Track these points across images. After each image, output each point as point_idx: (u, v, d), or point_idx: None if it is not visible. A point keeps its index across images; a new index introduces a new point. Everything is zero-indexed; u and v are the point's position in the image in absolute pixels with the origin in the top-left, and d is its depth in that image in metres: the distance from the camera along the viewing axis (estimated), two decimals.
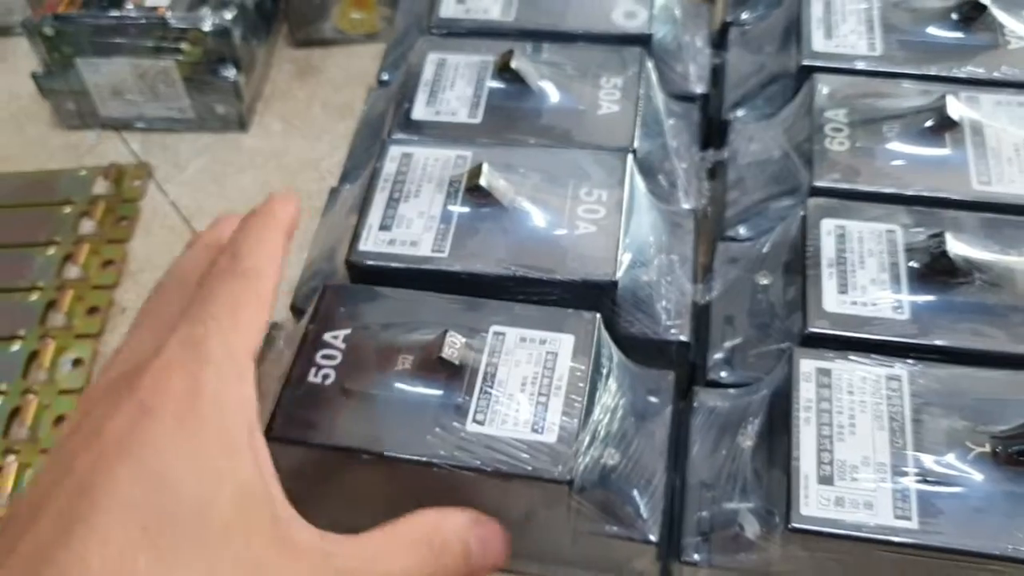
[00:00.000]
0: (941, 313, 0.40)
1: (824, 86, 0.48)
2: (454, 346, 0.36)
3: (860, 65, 0.49)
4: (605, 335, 0.39)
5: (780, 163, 0.48)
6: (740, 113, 0.53)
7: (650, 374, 0.41)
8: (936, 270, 0.41)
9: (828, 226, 0.43)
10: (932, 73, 0.49)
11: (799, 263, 0.42)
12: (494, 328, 0.39)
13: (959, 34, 0.50)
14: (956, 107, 0.45)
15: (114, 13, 0.56)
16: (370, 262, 0.42)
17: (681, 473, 0.40)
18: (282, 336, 0.43)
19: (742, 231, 0.47)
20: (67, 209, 0.57)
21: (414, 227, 0.42)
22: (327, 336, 0.39)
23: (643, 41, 0.51)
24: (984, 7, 0.49)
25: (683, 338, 0.43)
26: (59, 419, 0.48)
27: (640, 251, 0.43)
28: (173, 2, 0.56)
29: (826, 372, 0.38)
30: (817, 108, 0.47)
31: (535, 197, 0.43)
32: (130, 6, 0.56)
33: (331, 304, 0.40)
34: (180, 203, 0.58)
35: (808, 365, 0.39)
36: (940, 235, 0.41)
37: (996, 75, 0.48)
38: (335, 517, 0.41)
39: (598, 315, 0.39)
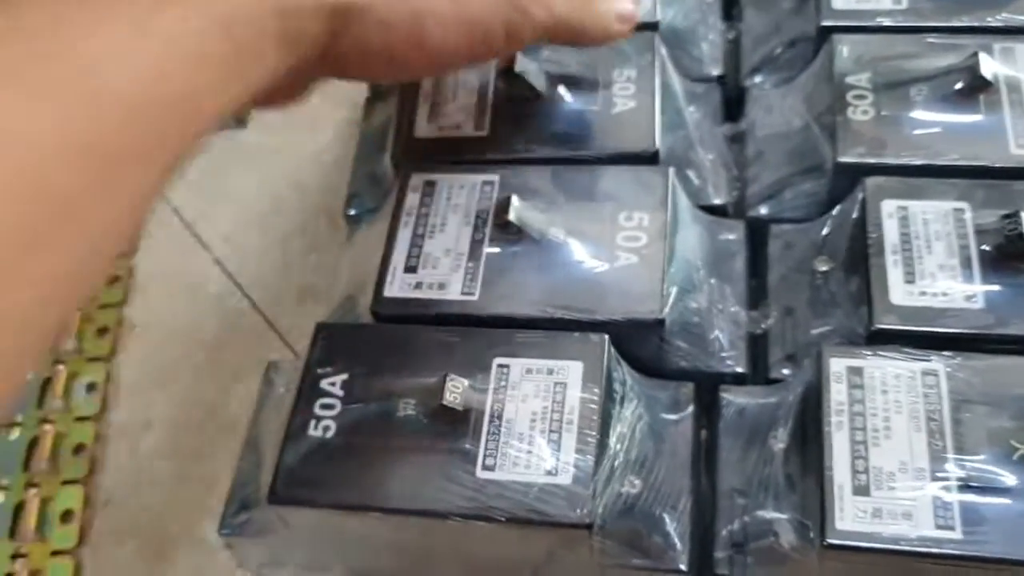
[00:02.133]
0: (1019, 300, 0.37)
1: (845, 48, 0.45)
2: (456, 391, 0.35)
3: (885, 21, 0.46)
4: (615, 357, 0.37)
5: (801, 135, 0.45)
6: (758, 79, 0.49)
7: (668, 388, 0.39)
8: (1011, 254, 0.37)
9: (889, 208, 0.40)
10: (963, 24, 0.45)
11: (861, 250, 0.39)
12: (497, 360, 0.37)
13: None
14: (989, 65, 0.42)
15: None
16: (396, 310, 0.39)
17: (711, 478, 0.39)
18: (281, 378, 0.42)
19: (763, 211, 0.45)
20: None
21: (441, 267, 0.40)
22: (324, 383, 0.37)
23: (651, 27, 0.47)
24: None
25: (739, 369, 0.40)
26: (78, 448, 0.48)
27: (687, 279, 0.40)
28: None
29: (858, 371, 0.36)
30: (838, 73, 0.44)
31: (570, 227, 0.40)
32: None
33: (326, 346, 0.38)
34: (182, 209, 0.57)
35: (838, 364, 0.36)
36: (1015, 215, 0.37)
37: None
38: (355, 566, 0.40)
39: (606, 337, 0.37)
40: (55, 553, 0.45)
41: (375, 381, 0.37)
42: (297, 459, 0.36)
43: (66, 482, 0.47)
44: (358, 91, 0.57)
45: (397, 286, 0.40)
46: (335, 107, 0.60)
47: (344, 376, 0.37)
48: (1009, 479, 0.33)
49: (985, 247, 0.38)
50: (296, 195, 0.56)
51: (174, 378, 0.50)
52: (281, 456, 0.36)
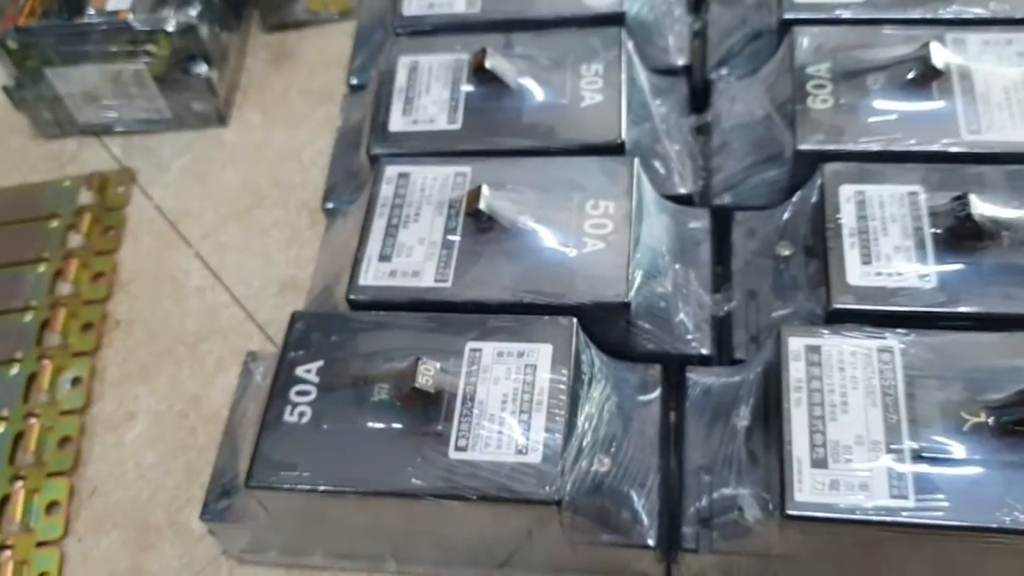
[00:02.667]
0: (970, 278, 0.39)
1: (805, 39, 0.46)
2: (427, 374, 0.36)
3: (844, 14, 0.47)
4: (584, 340, 0.38)
5: (763, 125, 0.46)
6: (724, 72, 0.51)
7: (636, 369, 0.41)
8: (961, 234, 0.39)
9: (847, 192, 0.41)
10: (917, 16, 0.47)
11: (820, 234, 0.41)
12: (470, 345, 0.38)
13: None
14: (940, 54, 0.43)
15: (76, 21, 0.54)
16: (371, 297, 0.41)
17: (678, 457, 0.40)
18: (260, 368, 0.42)
19: (728, 199, 0.46)
20: (54, 223, 0.57)
21: (415, 255, 0.41)
22: (300, 371, 0.38)
23: (617, 20, 0.48)
24: None
25: (704, 351, 0.41)
26: (63, 440, 0.49)
27: (652, 264, 0.41)
28: (135, 3, 0.55)
29: (816, 349, 0.37)
30: (798, 64, 0.46)
31: (539, 215, 0.41)
32: (91, 12, 0.55)
33: (301, 335, 0.39)
34: (165, 206, 0.58)
35: (797, 343, 0.38)
36: (964, 197, 0.39)
37: (984, 13, 0.46)
38: (335, 549, 0.41)
39: (575, 320, 0.38)
40: (40, 544, 0.46)
41: (350, 367, 0.38)
42: (274, 445, 0.37)
43: (51, 474, 0.48)
44: (336, 89, 0.58)
45: (372, 274, 0.41)
46: (313, 105, 0.61)
47: (319, 363, 0.38)
48: (959, 450, 0.34)
49: (937, 229, 0.40)
50: (276, 190, 0.57)
51: (157, 371, 0.51)
52: (258, 442, 0.37)
